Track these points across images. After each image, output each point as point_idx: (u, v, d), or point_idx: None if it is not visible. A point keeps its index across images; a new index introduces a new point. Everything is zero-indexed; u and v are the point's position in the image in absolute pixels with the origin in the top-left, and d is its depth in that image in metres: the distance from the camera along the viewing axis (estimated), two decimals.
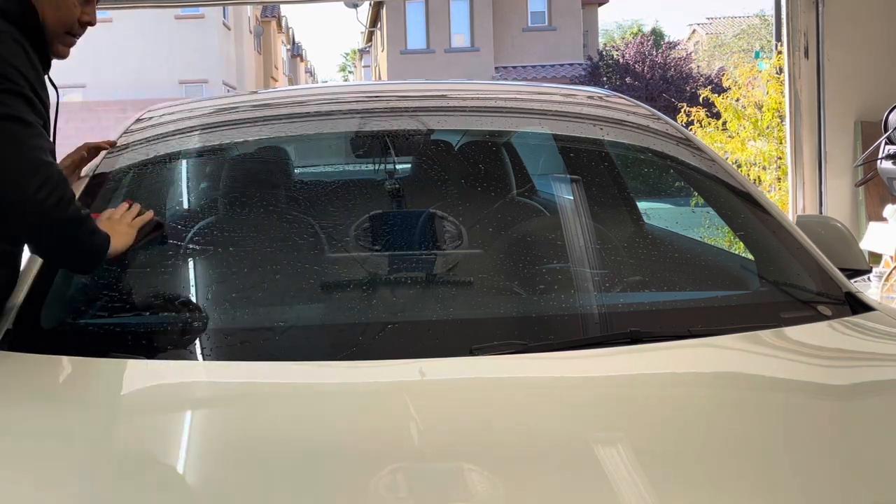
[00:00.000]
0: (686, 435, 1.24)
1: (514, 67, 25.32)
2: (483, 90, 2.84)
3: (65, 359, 1.50)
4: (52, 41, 1.71)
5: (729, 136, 7.84)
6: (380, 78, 29.31)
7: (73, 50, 1.77)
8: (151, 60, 22.77)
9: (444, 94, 2.64)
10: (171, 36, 24.25)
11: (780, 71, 6.79)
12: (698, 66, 25.09)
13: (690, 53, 26.09)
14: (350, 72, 52.62)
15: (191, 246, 1.82)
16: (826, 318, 1.67)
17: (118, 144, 2.08)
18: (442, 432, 1.25)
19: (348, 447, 1.19)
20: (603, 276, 1.82)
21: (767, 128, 7.54)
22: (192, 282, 1.74)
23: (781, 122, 7.06)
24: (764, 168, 7.60)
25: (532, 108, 2.54)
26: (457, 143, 2.45)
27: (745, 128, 7.72)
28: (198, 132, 2.32)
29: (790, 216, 5.27)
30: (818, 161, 5.60)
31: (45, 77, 1.70)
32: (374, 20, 31.35)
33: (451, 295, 1.74)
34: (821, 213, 5.46)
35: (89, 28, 1.78)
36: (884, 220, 4.94)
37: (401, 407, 1.32)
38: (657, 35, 33.60)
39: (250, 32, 30.63)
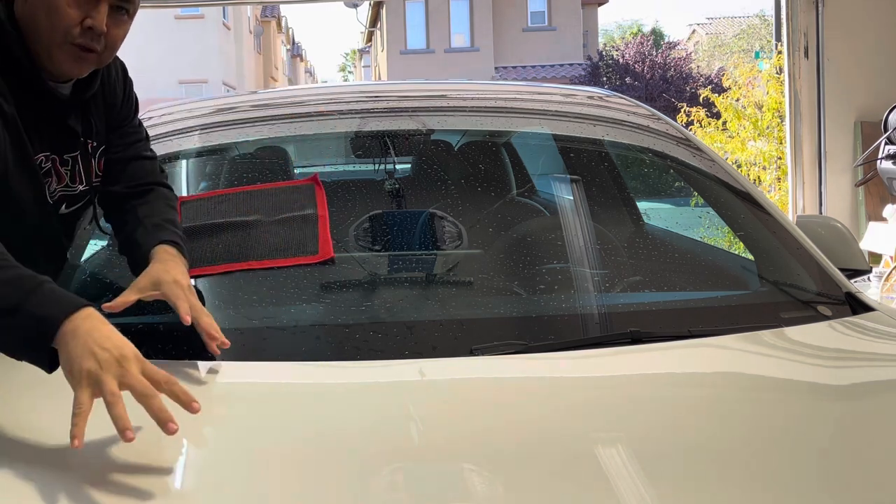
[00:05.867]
0: (686, 435, 1.24)
1: (514, 67, 25.33)
2: (483, 90, 2.84)
3: None
4: (51, 53, 1.43)
5: (729, 136, 7.84)
6: (380, 78, 29.31)
7: None
8: (151, 60, 22.75)
9: (444, 94, 2.64)
10: (171, 36, 24.27)
11: (780, 71, 6.79)
12: (698, 66, 25.11)
13: (690, 53, 26.11)
14: (350, 72, 52.67)
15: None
16: (826, 318, 1.67)
17: None
18: (442, 432, 1.24)
19: (348, 447, 1.19)
20: (603, 276, 1.82)
21: (767, 128, 7.55)
22: (193, 282, 1.73)
23: (781, 122, 7.06)
24: (764, 168, 7.61)
25: (532, 108, 2.54)
26: (457, 143, 2.45)
27: (745, 128, 7.73)
28: (198, 132, 2.32)
29: (790, 216, 5.27)
30: (818, 161, 5.60)
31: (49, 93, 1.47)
32: (374, 20, 31.36)
33: (452, 295, 1.74)
34: (821, 213, 5.46)
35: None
36: (884, 220, 4.94)
37: (401, 407, 1.32)
38: (657, 35, 33.64)
39: (250, 32, 30.65)
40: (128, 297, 1.44)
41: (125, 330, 1.56)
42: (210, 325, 1.41)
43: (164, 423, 1.12)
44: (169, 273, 1.45)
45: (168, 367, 1.44)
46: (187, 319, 1.39)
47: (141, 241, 1.55)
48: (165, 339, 1.57)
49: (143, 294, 1.44)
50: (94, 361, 1.15)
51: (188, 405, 1.17)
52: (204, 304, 1.50)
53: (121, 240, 1.63)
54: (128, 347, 1.19)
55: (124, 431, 1.10)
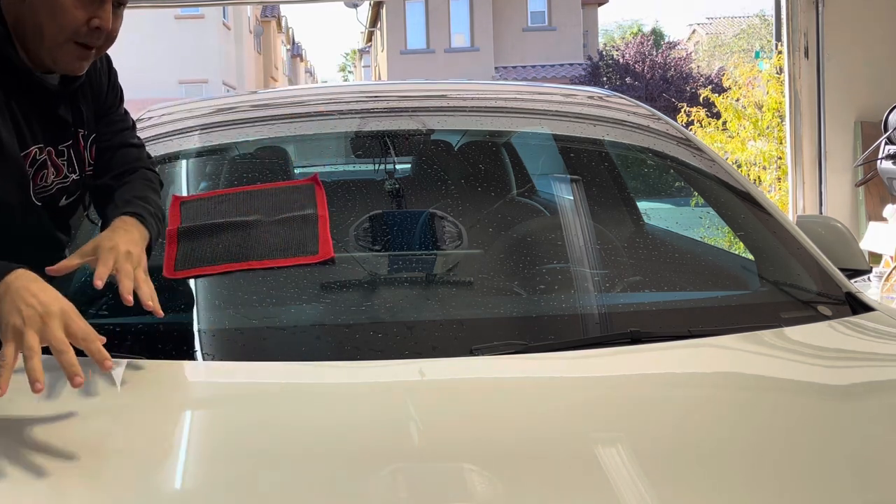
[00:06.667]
0: (686, 435, 1.24)
1: (514, 67, 25.34)
2: (483, 90, 2.84)
3: None
4: (54, 53, 1.44)
5: (729, 136, 7.85)
6: (380, 78, 29.31)
7: None
8: (151, 60, 22.76)
9: (444, 94, 2.65)
10: (171, 36, 24.27)
11: (780, 71, 6.79)
12: (698, 66, 25.12)
13: (690, 53, 26.12)
14: (350, 72, 52.70)
15: None
16: (826, 318, 1.67)
17: None
18: (442, 432, 1.25)
19: (348, 447, 1.19)
20: (603, 276, 1.82)
21: (767, 128, 7.55)
22: (193, 282, 1.73)
23: (781, 122, 7.06)
24: (764, 168, 7.61)
25: (532, 108, 2.54)
26: (457, 143, 2.45)
27: (745, 128, 7.73)
28: (198, 132, 2.32)
29: (790, 216, 5.27)
30: (818, 161, 5.60)
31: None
32: (374, 20, 31.37)
33: (452, 295, 1.74)
34: (821, 213, 5.46)
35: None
36: (884, 220, 4.94)
37: (401, 407, 1.32)
38: (657, 35, 33.65)
39: (250, 32, 30.65)
40: (70, 262, 1.45)
41: (125, 330, 1.57)
42: (129, 289, 1.38)
43: (71, 377, 1.21)
44: (112, 240, 1.45)
45: (168, 368, 1.45)
46: (98, 284, 1.38)
47: (110, 217, 1.55)
48: (165, 339, 1.57)
49: (84, 259, 1.45)
50: (20, 317, 1.22)
51: (101, 363, 1.25)
52: (195, 301, 1.50)
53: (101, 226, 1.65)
54: (54, 304, 1.25)
55: (34, 383, 1.18)
